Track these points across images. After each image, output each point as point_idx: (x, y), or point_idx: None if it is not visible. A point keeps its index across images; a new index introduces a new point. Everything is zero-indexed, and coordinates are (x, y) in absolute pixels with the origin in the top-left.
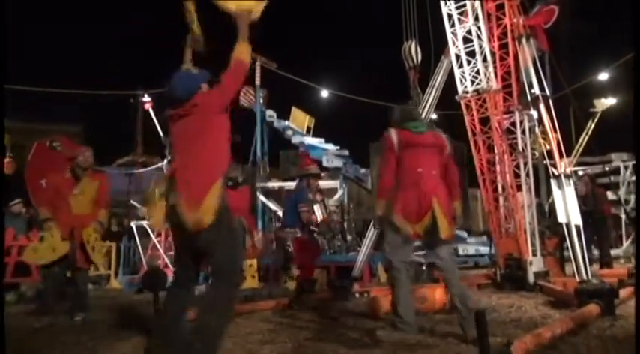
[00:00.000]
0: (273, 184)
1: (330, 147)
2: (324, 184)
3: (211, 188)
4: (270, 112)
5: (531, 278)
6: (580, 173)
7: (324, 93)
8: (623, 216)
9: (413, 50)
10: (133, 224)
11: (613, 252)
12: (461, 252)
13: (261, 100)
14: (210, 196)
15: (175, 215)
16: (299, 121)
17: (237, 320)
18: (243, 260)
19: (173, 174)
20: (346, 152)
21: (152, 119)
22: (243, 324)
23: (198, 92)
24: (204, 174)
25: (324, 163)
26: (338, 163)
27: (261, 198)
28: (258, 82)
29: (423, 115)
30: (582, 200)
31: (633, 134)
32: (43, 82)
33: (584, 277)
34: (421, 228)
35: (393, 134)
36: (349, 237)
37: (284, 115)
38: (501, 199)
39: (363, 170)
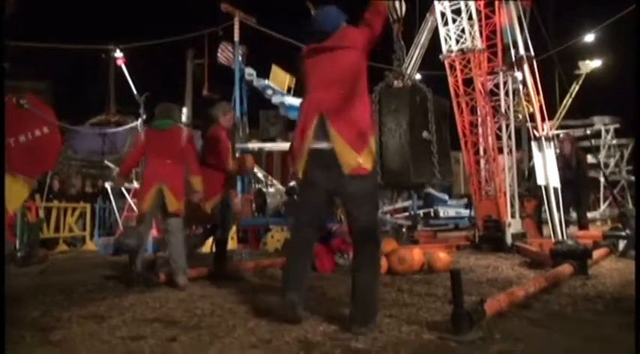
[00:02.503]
0: (253, 145)
1: None
2: None
3: (370, 130)
4: (249, 71)
5: (509, 240)
6: (562, 135)
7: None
8: (602, 179)
9: (397, 3)
10: (107, 185)
11: (590, 215)
12: (441, 214)
13: (240, 58)
14: (372, 139)
15: (330, 156)
16: (279, 80)
17: (216, 282)
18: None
19: (321, 106)
20: None
21: (125, 76)
22: (223, 285)
23: (343, 26)
24: (362, 112)
25: None
26: None
27: None
28: (236, 38)
29: (406, 79)
30: (566, 160)
31: (634, 131)
32: (6, 35)
33: (560, 238)
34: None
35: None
36: None
37: (264, 73)
38: (482, 162)
39: None
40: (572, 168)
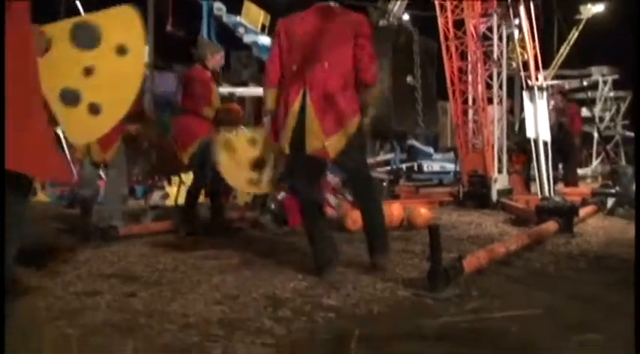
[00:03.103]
0: (223, 90)
1: None
2: None
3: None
4: (218, 5)
5: (494, 196)
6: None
7: None
8: (595, 134)
9: None
10: (59, 131)
11: (581, 171)
12: (425, 169)
13: None
14: (353, 123)
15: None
16: (253, 17)
17: (180, 236)
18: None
19: (307, 82)
20: None
21: (78, 10)
22: (188, 239)
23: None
24: (350, 97)
25: None
26: None
27: None
28: None
29: (392, 14)
30: (555, 111)
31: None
32: None
33: (547, 194)
34: None
35: None
36: None
37: (235, 9)
38: (470, 112)
39: None
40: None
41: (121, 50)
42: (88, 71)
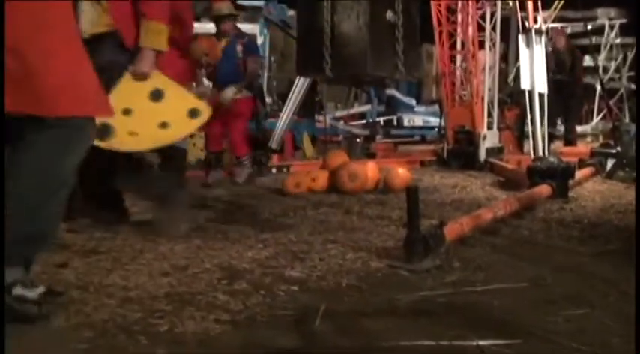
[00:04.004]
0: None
1: None
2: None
3: None
4: None
5: (483, 155)
6: (553, 29)
7: None
8: (598, 86)
9: None
10: None
11: (580, 128)
12: (406, 123)
13: None
14: None
15: None
16: None
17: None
18: None
19: None
20: None
21: None
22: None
23: None
24: None
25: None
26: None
27: None
28: None
29: None
30: (558, 58)
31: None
32: None
33: (541, 154)
34: None
35: None
36: (268, 99)
37: None
38: (459, 58)
39: (290, 12)
40: (565, 70)
41: None
42: None
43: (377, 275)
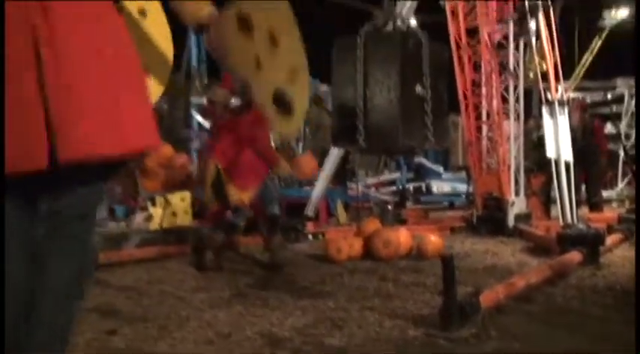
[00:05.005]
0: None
1: None
2: None
3: None
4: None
5: (511, 221)
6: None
7: None
8: (621, 153)
9: None
10: None
11: (606, 193)
12: (435, 190)
13: None
14: None
15: None
16: None
17: (166, 264)
18: None
19: None
20: None
21: None
22: (174, 268)
23: None
24: None
25: None
26: None
27: (197, 117)
28: None
29: (399, 20)
30: (573, 131)
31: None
32: None
33: (569, 221)
34: None
35: None
36: None
37: None
38: (485, 128)
39: (324, 87)
40: (578, 140)
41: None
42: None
43: (414, 344)
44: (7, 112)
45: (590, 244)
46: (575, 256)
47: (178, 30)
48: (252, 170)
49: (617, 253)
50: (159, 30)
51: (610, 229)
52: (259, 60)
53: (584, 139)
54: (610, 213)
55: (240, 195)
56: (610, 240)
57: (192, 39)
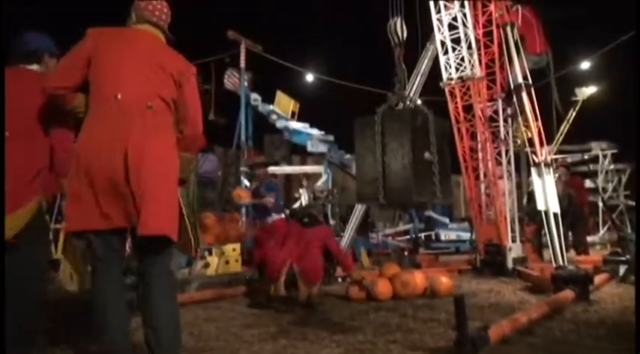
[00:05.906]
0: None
1: (315, 132)
2: (309, 169)
3: None
4: (254, 96)
5: (510, 264)
6: (557, 173)
7: (310, 77)
8: (600, 204)
9: (398, 27)
10: None
11: (590, 238)
12: (442, 237)
13: (246, 84)
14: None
15: None
16: (284, 105)
17: (220, 305)
18: None
19: None
20: (331, 137)
21: None
22: (227, 308)
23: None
24: None
25: (309, 148)
26: (322, 148)
27: (246, 182)
28: (243, 65)
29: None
30: (562, 186)
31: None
32: None
33: (561, 263)
34: None
35: None
36: (332, 221)
37: (269, 99)
38: (483, 186)
39: (347, 156)
40: (563, 207)
41: None
42: None
43: None
44: None
45: (581, 283)
46: (568, 294)
47: (233, 107)
48: (319, 269)
49: (605, 291)
50: None
51: (596, 270)
52: None
53: (570, 206)
54: (595, 256)
55: (309, 290)
56: (597, 279)
57: (242, 117)
